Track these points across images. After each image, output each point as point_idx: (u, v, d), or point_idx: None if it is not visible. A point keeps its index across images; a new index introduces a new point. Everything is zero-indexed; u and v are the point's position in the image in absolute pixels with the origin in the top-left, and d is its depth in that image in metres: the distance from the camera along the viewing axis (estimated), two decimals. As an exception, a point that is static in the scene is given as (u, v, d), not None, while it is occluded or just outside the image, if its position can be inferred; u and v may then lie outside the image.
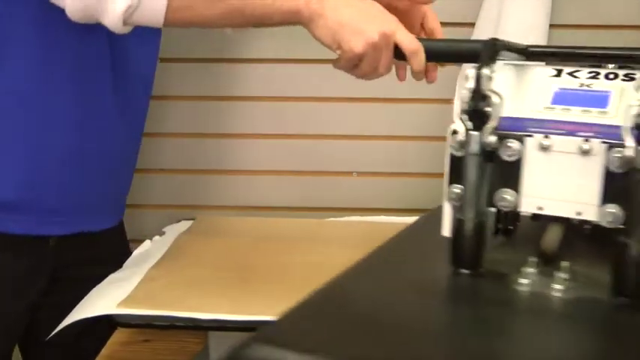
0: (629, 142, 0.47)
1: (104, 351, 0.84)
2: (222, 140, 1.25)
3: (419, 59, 0.76)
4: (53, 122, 0.88)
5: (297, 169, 1.24)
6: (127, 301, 0.72)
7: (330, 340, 0.44)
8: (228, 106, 1.24)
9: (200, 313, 0.69)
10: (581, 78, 0.57)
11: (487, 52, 0.54)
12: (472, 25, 1.16)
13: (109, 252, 1.00)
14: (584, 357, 0.41)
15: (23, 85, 0.86)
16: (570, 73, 0.57)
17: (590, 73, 0.57)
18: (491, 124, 0.51)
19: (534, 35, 1.13)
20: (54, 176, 0.90)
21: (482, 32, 1.13)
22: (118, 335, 0.87)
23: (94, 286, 0.75)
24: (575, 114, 0.54)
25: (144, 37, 0.92)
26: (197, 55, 1.22)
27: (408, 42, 0.76)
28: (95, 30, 0.80)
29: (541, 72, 0.58)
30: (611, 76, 0.56)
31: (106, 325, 0.78)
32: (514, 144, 0.51)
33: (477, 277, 0.53)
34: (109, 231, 1.01)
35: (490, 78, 0.52)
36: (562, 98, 0.56)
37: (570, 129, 0.52)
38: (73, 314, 0.71)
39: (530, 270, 0.51)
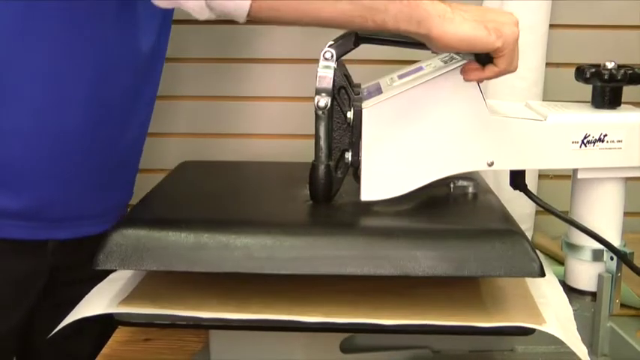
0: None
1: (105, 350, 0.84)
2: (230, 138, 1.25)
3: None
4: (65, 133, 0.88)
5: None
6: (128, 300, 0.72)
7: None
8: (234, 106, 1.24)
9: (201, 311, 0.69)
10: (438, 61, 0.76)
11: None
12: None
13: None
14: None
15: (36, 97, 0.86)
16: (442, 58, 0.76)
17: (449, 58, 0.75)
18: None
19: (534, 35, 1.13)
20: (62, 187, 0.90)
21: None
22: (119, 334, 0.87)
23: (90, 286, 0.74)
24: (391, 82, 0.78)
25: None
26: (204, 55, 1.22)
27: None
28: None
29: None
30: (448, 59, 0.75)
31: (99, 326, 0.78)
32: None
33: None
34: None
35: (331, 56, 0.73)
36: (408, 72, 0.78)
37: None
38: (74, 313, 0.71)
39: None
